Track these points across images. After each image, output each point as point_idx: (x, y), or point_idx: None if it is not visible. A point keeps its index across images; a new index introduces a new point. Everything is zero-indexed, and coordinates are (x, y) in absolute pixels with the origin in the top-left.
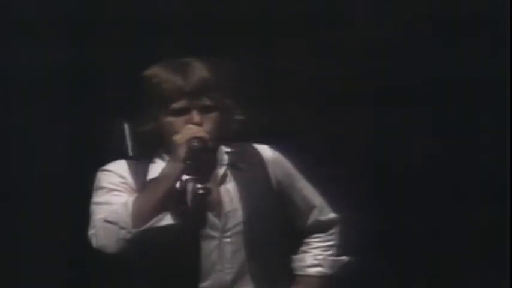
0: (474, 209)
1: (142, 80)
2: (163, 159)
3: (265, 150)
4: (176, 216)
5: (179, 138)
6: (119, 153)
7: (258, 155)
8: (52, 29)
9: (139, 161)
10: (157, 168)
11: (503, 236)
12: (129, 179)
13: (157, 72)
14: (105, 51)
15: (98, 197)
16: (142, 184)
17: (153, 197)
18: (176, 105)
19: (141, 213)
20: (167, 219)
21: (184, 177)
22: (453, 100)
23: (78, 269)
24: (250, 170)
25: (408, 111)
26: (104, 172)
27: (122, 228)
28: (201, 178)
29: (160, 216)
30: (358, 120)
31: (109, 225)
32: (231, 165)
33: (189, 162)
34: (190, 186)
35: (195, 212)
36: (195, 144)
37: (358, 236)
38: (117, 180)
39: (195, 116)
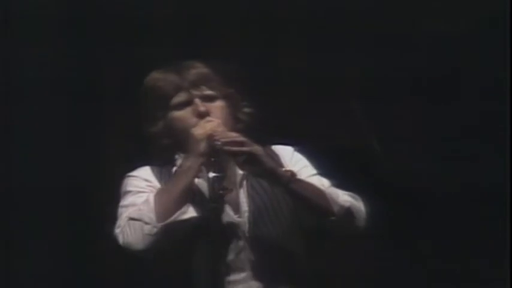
0: (475, 209)
1: (144, 85)
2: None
3: (281, 150)
4: (199, 210)
5: (199, 133)
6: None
7: (276, 157)
8: (51, 29)
9: (162, 166)
10: None
11: (503, 236)
12: (155, 182)
13: (154, 75)
14: (104, 51)
15: (124, 201)
16: None
17: (173, 190)
18: (177, 99)
19: (164, 207)
20: (190, 212)
21: (211, 174)
22: (452, 100)
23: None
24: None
25: (407, 111)
26: (130, 177)
27: (147, 223)
28: (224, 175)
29: (183, 209)
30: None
31: (133, 222)
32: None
33: (213, 159)
34: (212, 184)
35: (217, 210)
36: (218, 143)
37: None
38: (143, 183)
39: (199, 104)
